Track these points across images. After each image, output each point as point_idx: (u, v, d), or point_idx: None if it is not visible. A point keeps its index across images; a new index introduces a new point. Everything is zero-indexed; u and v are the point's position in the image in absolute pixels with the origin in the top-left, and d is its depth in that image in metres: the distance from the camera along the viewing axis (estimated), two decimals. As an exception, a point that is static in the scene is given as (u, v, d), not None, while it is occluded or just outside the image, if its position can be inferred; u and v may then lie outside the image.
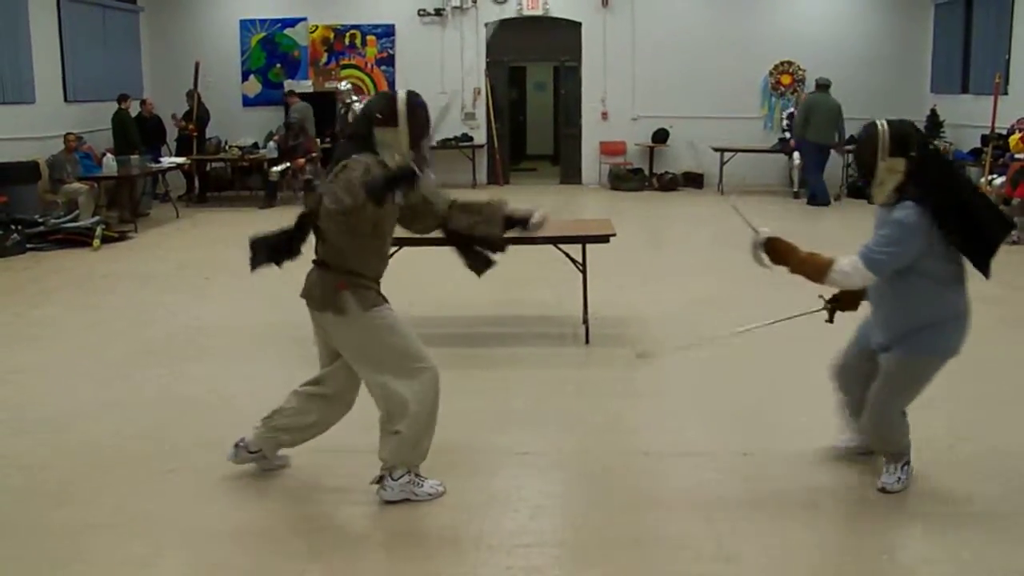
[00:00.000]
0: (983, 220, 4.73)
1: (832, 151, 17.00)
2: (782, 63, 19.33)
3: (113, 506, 5.10)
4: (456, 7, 19.38)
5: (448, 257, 9.81)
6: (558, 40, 19.77)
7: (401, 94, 4.93)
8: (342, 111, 15.72)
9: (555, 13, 19.48)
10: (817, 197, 16.87)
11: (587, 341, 7.99)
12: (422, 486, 5.12)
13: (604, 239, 7.87)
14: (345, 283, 4.83)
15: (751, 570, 4.40)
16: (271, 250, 4.96)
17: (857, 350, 5.25)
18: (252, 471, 5.41)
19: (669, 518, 4.96)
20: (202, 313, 9.21)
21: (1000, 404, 6.50)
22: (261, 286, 10.07)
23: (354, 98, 15.85)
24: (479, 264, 5.41)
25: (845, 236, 13.45)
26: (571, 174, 20.22)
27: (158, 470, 5.51)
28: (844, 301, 5.22)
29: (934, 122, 17.51)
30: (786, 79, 19.31)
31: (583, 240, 7.92)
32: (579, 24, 19.55)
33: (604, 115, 19.71)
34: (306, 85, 19.17)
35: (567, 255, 8.00)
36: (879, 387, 4.99)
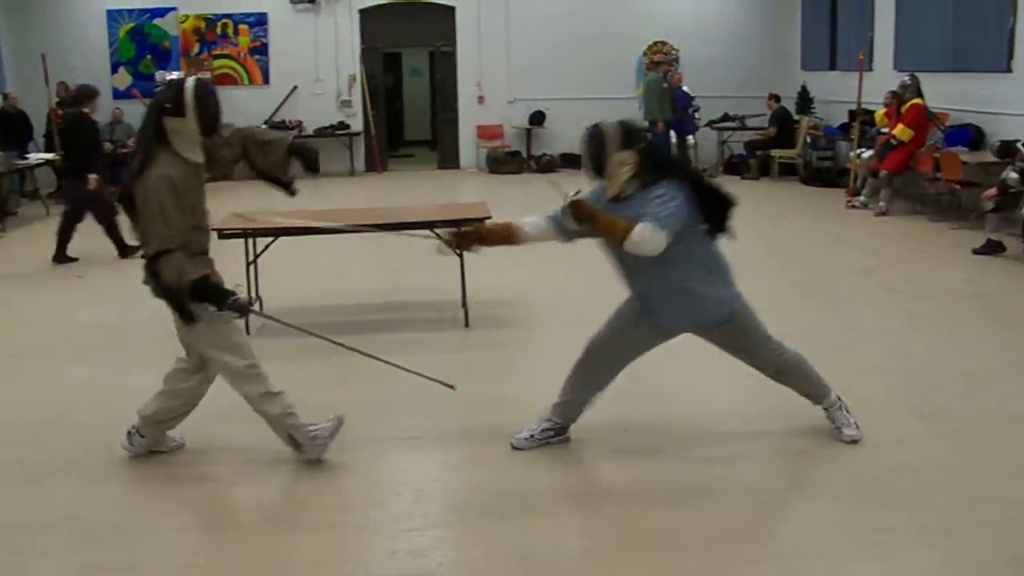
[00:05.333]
0: (713, 189, 5.16)
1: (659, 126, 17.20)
2: (656, 43, 19.51)
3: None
4: (329, -6, 19.27)
5: (329, 245, 9.81)
6: (433, 25, 19.70)
7: (189, 83, 5.05)
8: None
9: (429, -2, 19.47)
10: None
11: (466, 324, 8.03)
12: (317, 427, 5.37)
13: (479, 222, 7.87)
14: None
15: (618, 554, 4.48)
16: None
17: (626, 332, 5.39)
18: (122, 467, 5.41)
19: (551, 499, 5.03)
20: (77, 312, 9.01)
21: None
22: (136, 283, 9.89)
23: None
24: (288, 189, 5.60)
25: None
26: (449, 159, 20.22)
27: (35, 475, 5.40)
28: (464, 238, 5.59)
29: (805, 98, 17.90)
30: (660, 58, 19.44)
31: (459, 224, 7.90)
32: (453, 9, 19.53)
33: (480, 99, 19.72)
34: (179, 76, 18.75)
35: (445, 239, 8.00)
36: (750, 348, 5.37)
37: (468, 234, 5.53)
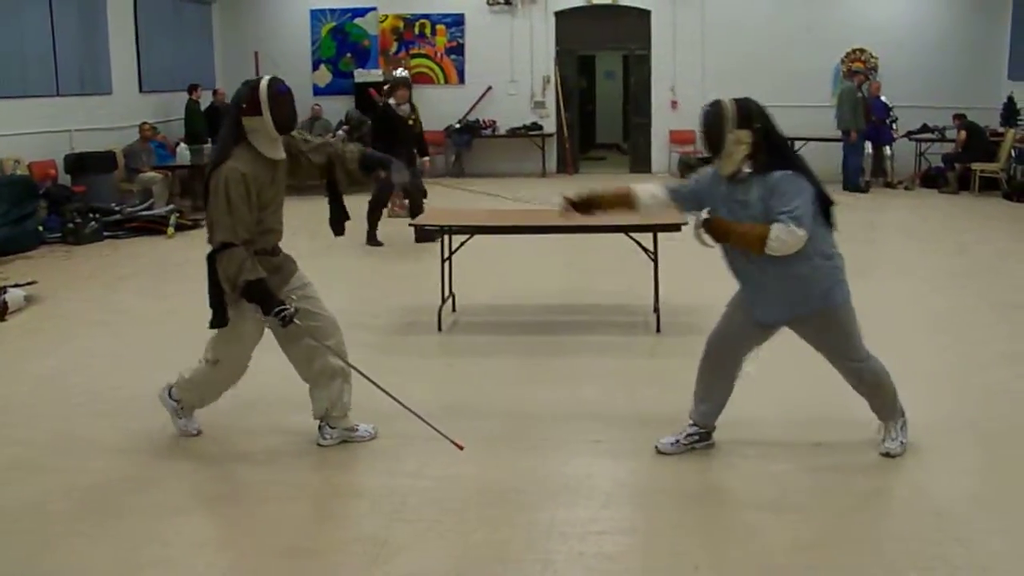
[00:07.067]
0: (820, 184, 5.13)
1: (850, 135, 16.99)
2: (854, 51, 19.02)
3: (189, 490, 5.21)
4: (525, -4, 19.44)
5: (522, 245, 9.88)
6: (627, 29, 19.66)
7: (263, 82, 5.24)
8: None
9: (624, 1, 19.40)
10: (844, 182, 16.95)
11: (658, 330, 7.95)
12: (357, 430, 5.69)
13: (675, 227, 7.82)
14: None
15: (831, 560, 4.38)
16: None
17: (739, 324, 5.37)
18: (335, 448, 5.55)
19: (739, 508, 4.97)
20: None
21: None
22: (338, 271, 10.12)
23: None
24: (336, 226, 5.90)
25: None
26: (641, 162, 20.14)
27: (232, 454, 5.62)
28: (579, 207, 5.52)
29: (1011, 109, 17.15)
30: (858, 67, 18.94)
31: (654, 229, 7.88)
32: (648, 12, 19.44)
33: (674, 103, 19.57)
34: (376, 74, 19.24)
35: (638, 243, 7.98)
36: (836, 346, 5.26)
37: (582, 203, 5.51)
